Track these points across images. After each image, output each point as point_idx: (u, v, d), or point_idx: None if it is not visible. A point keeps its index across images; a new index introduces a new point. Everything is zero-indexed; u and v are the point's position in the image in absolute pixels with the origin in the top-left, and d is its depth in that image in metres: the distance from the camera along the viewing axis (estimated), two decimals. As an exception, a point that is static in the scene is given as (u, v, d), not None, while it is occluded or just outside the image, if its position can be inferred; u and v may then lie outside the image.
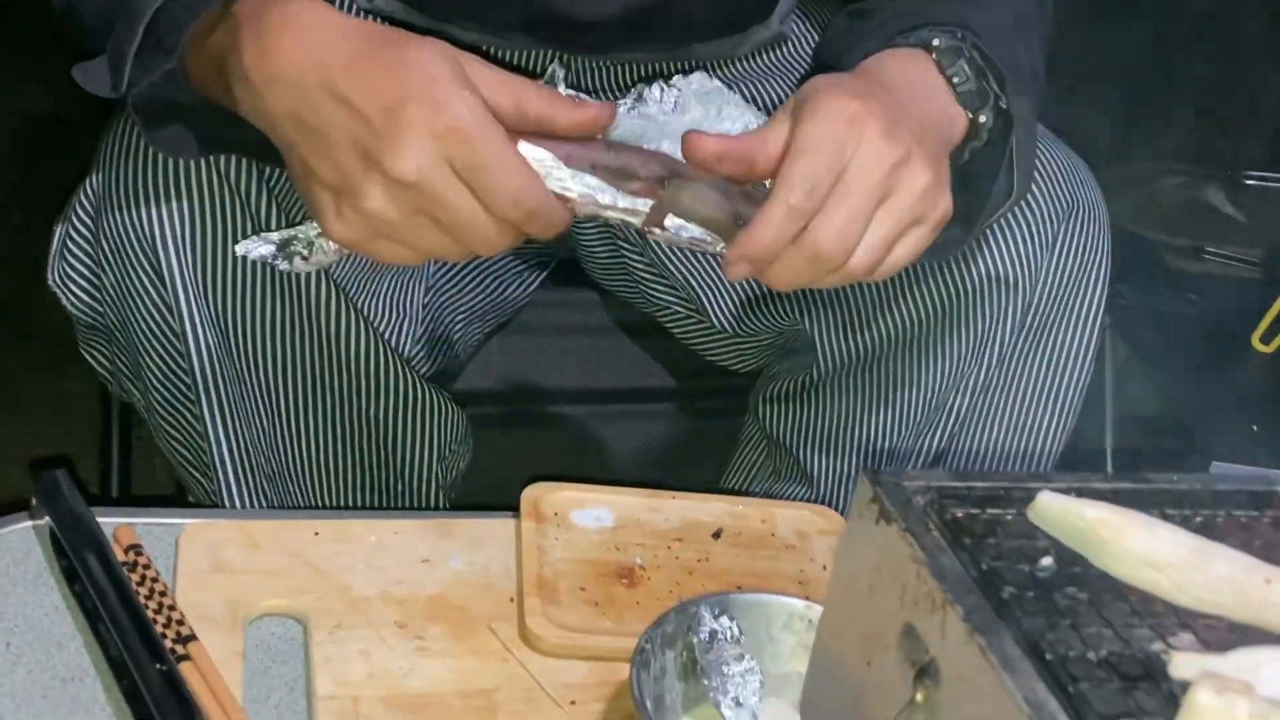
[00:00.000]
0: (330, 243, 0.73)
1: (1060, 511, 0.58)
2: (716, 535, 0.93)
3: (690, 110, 0.74)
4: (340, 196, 0.69)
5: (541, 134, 0.70)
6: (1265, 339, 1.44)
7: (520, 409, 1.20)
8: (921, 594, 0.55)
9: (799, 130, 0.71)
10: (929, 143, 0.75)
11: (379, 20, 0.93)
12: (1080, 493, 0.60)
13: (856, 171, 0.71)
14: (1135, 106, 1.98)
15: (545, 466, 0.99)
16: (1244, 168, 1.63)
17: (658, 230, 0.71)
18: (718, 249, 0.72)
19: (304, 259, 0.75)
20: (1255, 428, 1.34)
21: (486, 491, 1.05)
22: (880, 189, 0.72)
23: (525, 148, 0.69)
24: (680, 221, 0.71)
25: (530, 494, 0.92)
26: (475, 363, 1.16)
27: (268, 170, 0.86)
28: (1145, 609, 0.55)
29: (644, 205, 0.71)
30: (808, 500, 1.10)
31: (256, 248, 0.75)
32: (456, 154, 0.67)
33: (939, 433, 1.04)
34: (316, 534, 0.87)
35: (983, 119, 0.80)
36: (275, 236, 0.75)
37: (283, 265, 0.76)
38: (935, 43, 0.80)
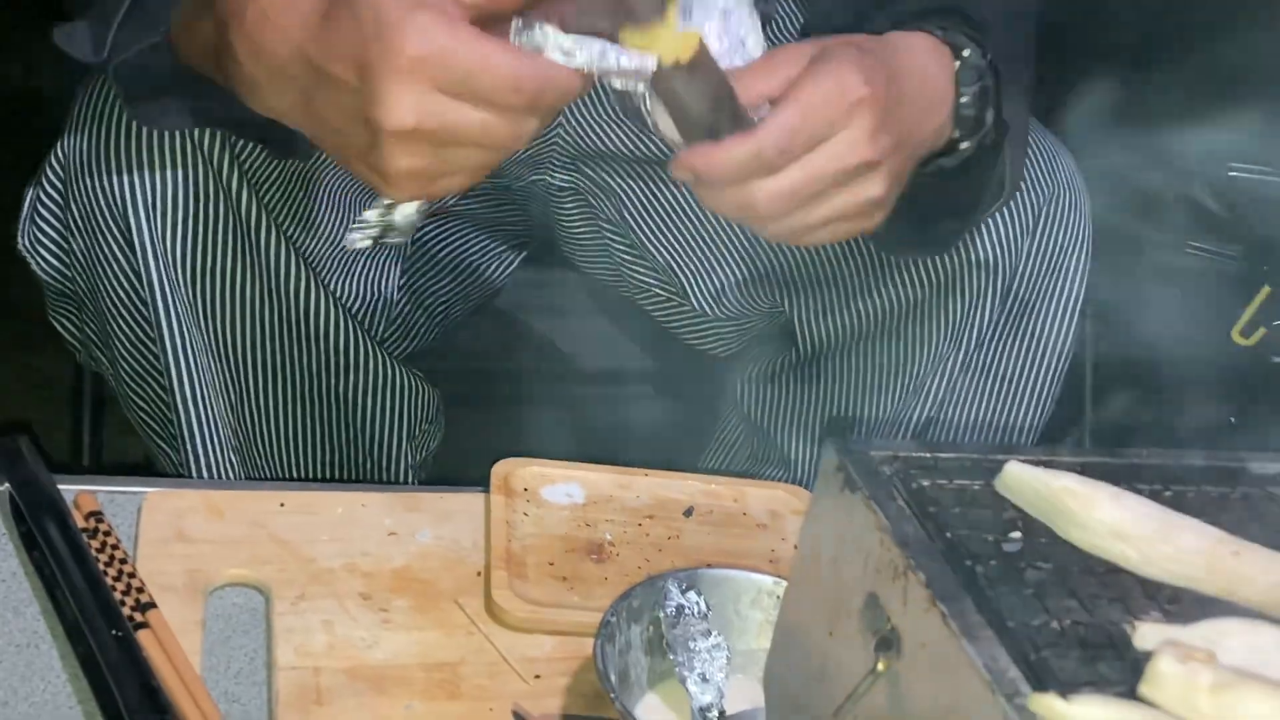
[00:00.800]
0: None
1: (1028, 482, 0.57)
2: (688, 513, 0.92)
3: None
4: (373, 167, 0.66)
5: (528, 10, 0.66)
6: (1245, 332, 1.44)
7: (496, 389, 1.20)
8: (884, 562, 0.54)
9: (806, 86, 0.70)
10: (902, 157, 0.75)
11: None
12: (1048, 465, 0.59)
13: (829, 154, 0.71)
14: (1122, 102, 1.98)
15: (519, 447, 0.98)
16: (1229, 159, 1.63)
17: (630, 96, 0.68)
18: (675, 141, 0.69)
19: (398, 229, 0.71)
20: (1233, 419, 1.34)
21: (458, 470, 1.03)
22: (838, 179, 0.71)
23: (516, 28, 0.65)
24: (660, 111, 0.68)
25: (500, 469, 0.91)
26: (452, 342, 1.15)
27: (238, 142, 0.85)
28: (1111, 580, 0.54)
29: (651, 62, 0.66)
30: (785, 479, 1.08)
31: (363, 234, 0.71)
32: (437, 78, 0.63)
33: (916, 415, 1.04)
34: (282, 505, 0.86)
35: (964, 145, 0.79)
36: (371, 216, 0.70)
37: (394, 239, 0.71)
38: (965, 53, 0.78)
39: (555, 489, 0.91)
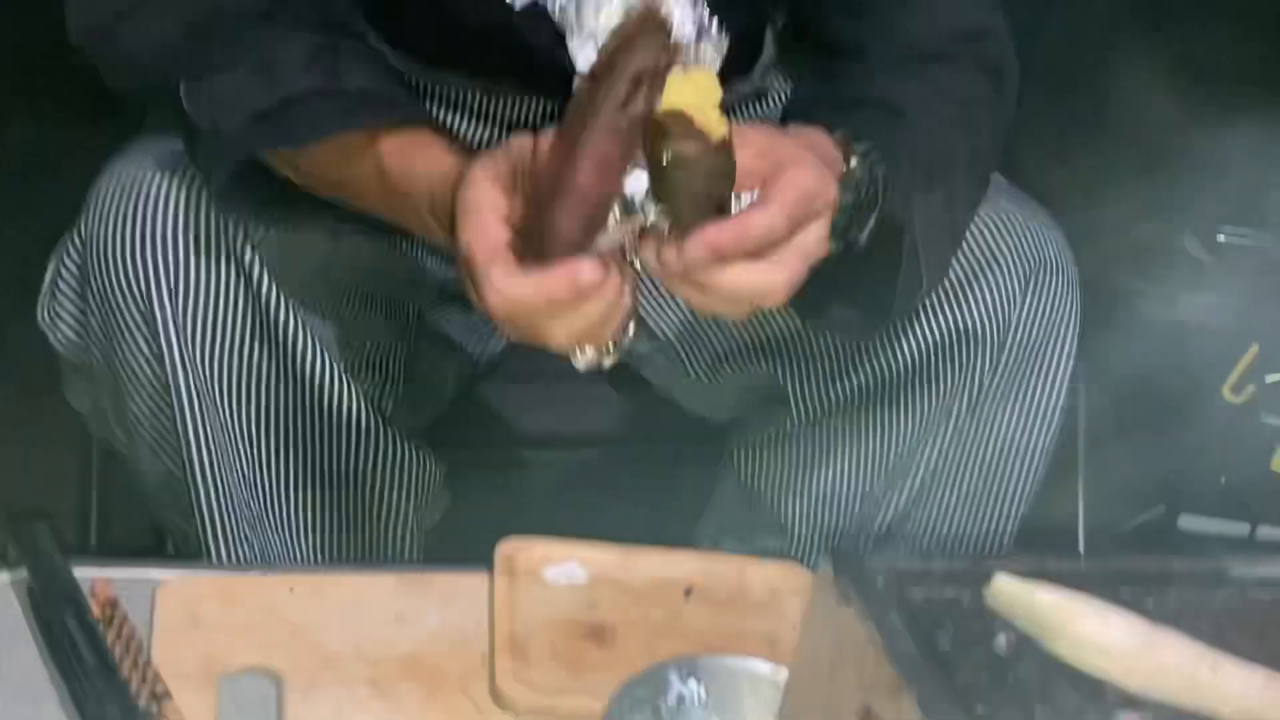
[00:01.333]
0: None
1: (1015, 595, 0.59)
2: (688, 593, 0.94)
3: None
4: None
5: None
6: (1236, 390, 1.46)
7: (499, 455, 1.22)
8: (879, 677, 0.56)
9: (802, 175, 0.72)
10: None
11: None
12: (1036, 574, 0.61)
13: (811, 245, 0.74)
14: (1114, 155, 2.01)
15: (523, 512, 0.99)
16: (1218, 221, 1.66)
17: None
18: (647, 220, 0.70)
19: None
20: (1223, 479, 1.35)
21: (465, 537, 1.04)
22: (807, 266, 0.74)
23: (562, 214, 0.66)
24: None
25: (504, 550, 0.92)
26: (456, 409, 1.16)
27: (257, 229, 0.89)
28: (1095, 694, 0.57)
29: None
30: (782, 550, 1.11)
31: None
32: (507, 319, 0.71)
33: (911, 482, 1.05)
34: (292, 590, 0.88)
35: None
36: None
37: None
38: (852, 163, 0.80)
39: (557, 569, 0.92)
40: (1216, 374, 1.48)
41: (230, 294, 0.89)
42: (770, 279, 0.72)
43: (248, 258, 0.89)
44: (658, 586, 0.94)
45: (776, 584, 0.96)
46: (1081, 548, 1.41)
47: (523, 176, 0.71)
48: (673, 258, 0.70)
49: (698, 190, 0.68)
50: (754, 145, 0.72)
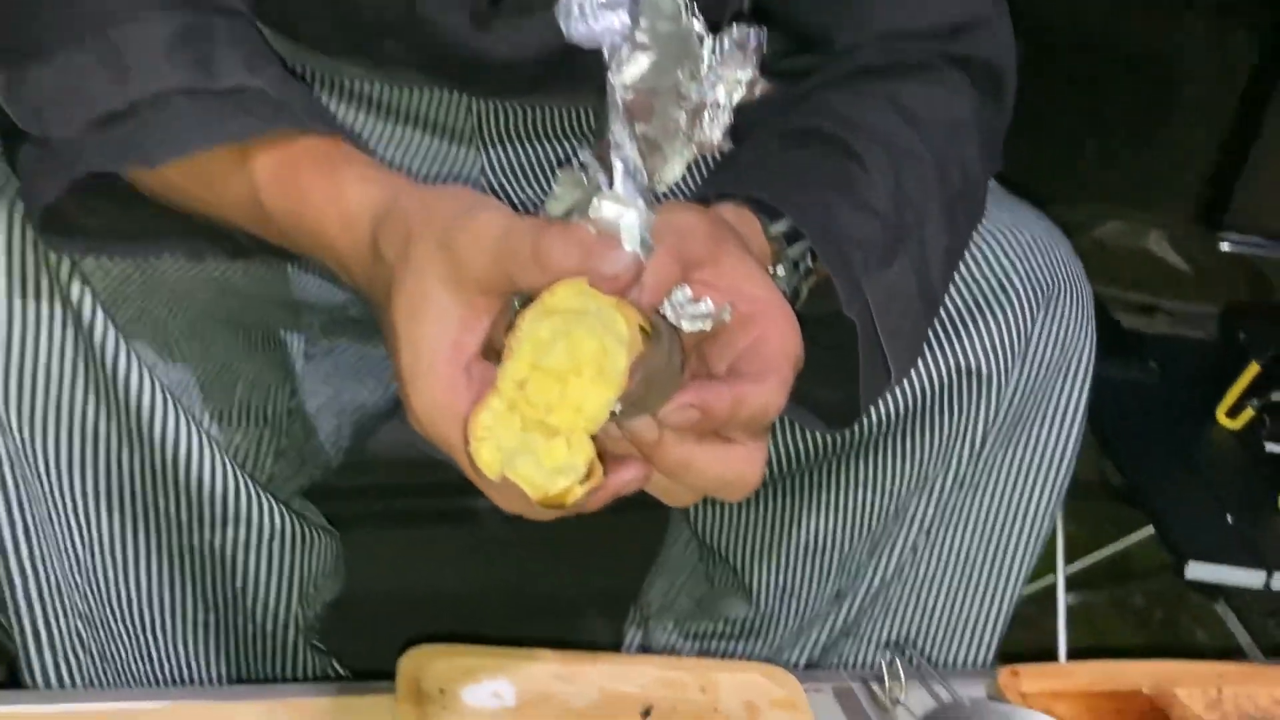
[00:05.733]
0: None
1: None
2: (646, 714, 0.80)
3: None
4: None
5: None
6: (1231, 414, 1.38)
7: (403, 517, 1.07)
8: None
9: (790, 357, 0.66)
10: None
11: None
12: None
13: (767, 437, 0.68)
14: (1073, 149, 1.95)
15: (435, 588, 0.85)
16: (1184, 219, 1.60)
17: None
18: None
19: None
20: (1229, 518, 1.25)
21: (364, 628, 0.95)
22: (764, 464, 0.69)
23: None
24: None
25: (408, 667, 0.77)
26: (349, 465, 1.02)
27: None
28: None
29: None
30: (747, 621, 1.01)
31: None
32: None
33: (900, 543, 0.98)
34: (130, 730, 0.71)
35: None
36: None
37: None
38: (780, 270, 0.75)
39: (479, 689, 0.78)
40: (1210, 394, 1.38)
41: (54, 338, 0.80)
42: (748, 469, 0.64)
43: (75, 292, 0.78)
44: (608, 705, 0.80)
45: (753, 694, 0.83)
46: (1061, 614, 1.30)
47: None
48: (647, 427, 0.61)
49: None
50: (690, 230, 0.66)
